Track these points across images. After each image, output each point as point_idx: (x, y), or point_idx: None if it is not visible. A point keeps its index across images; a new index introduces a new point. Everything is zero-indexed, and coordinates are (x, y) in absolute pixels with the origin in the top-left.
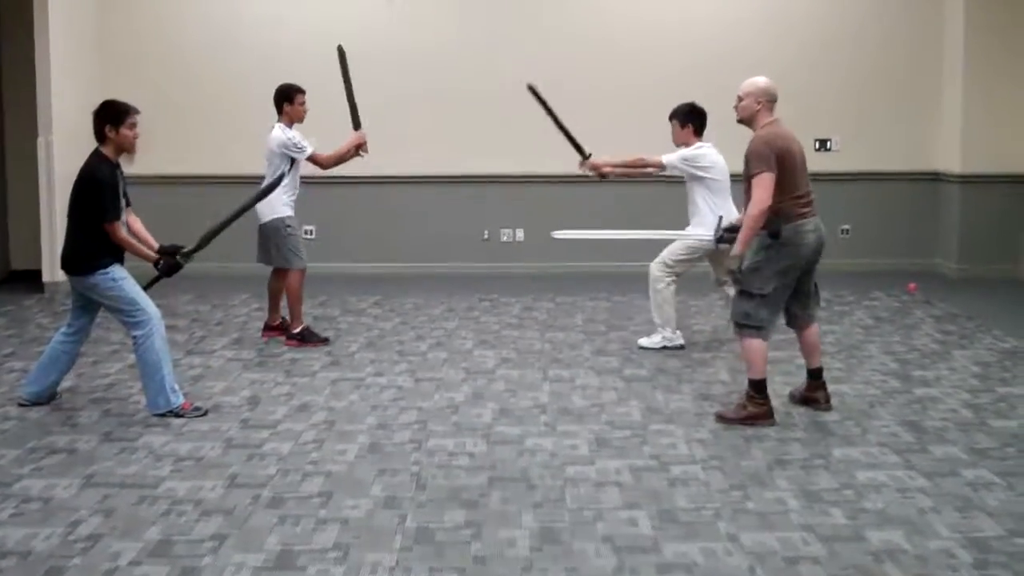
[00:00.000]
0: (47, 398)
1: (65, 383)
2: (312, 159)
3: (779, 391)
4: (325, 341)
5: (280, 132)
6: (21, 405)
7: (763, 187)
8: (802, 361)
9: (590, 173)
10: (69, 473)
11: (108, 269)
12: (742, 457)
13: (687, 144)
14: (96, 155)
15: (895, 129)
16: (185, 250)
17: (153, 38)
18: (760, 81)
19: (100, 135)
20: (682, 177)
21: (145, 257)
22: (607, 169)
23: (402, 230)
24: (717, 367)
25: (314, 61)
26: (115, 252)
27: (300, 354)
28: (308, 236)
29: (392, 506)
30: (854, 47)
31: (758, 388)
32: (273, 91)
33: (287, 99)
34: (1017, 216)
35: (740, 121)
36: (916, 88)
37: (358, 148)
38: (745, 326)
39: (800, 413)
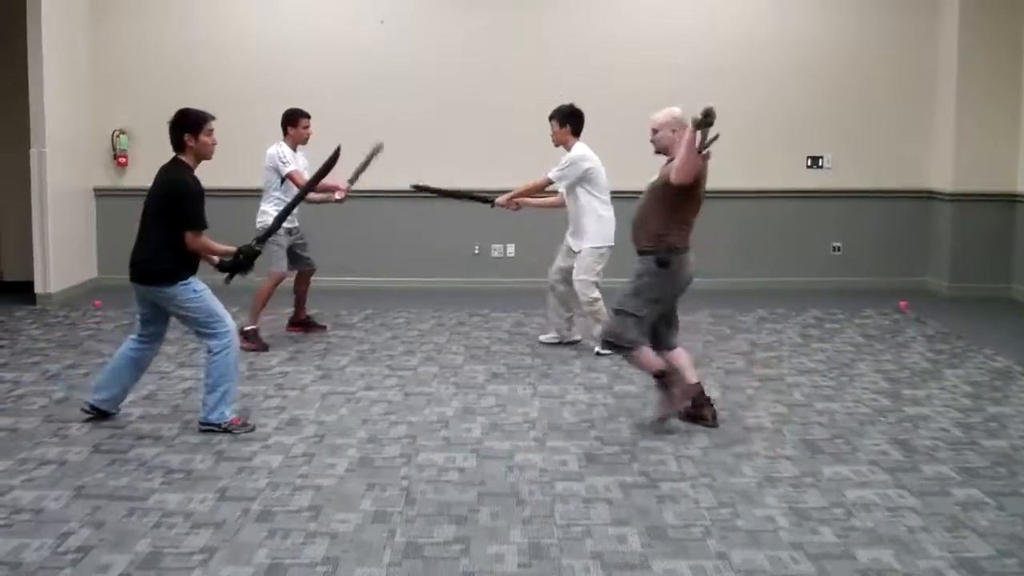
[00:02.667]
0: (115, 405)
1: (56, 394)
2: (290, 177)
3: (738, 402)
4: (265, 348)
5: (275, 147)
6: (84, 412)
7: (686, 166)
8: (793, 380)
9: (507, 209)
10: (60, 484)
11: (189, 280)
12: (732, 474)
13: (565, 144)
14: (178, 164)
15: (888, 147)
16: (257, 236)
17: (145, 51)
18: (675, 111)
19: (179, 144)
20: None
21: (226, 253)
22: (515, 201)
23: (393, 244)
24: (707, 384)
25: (308, 76)
26: (193, 264)
27: (291, 367)
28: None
29: (381, 520)
30: (847, 65)
31: (662, 377)
32: (266, 105)
33: (291, 122)
34: (1009, 235)
35: (658, 152)
36: (909, 106)
37: (335, 191)
38: (614, 345)
39: (790, 431)
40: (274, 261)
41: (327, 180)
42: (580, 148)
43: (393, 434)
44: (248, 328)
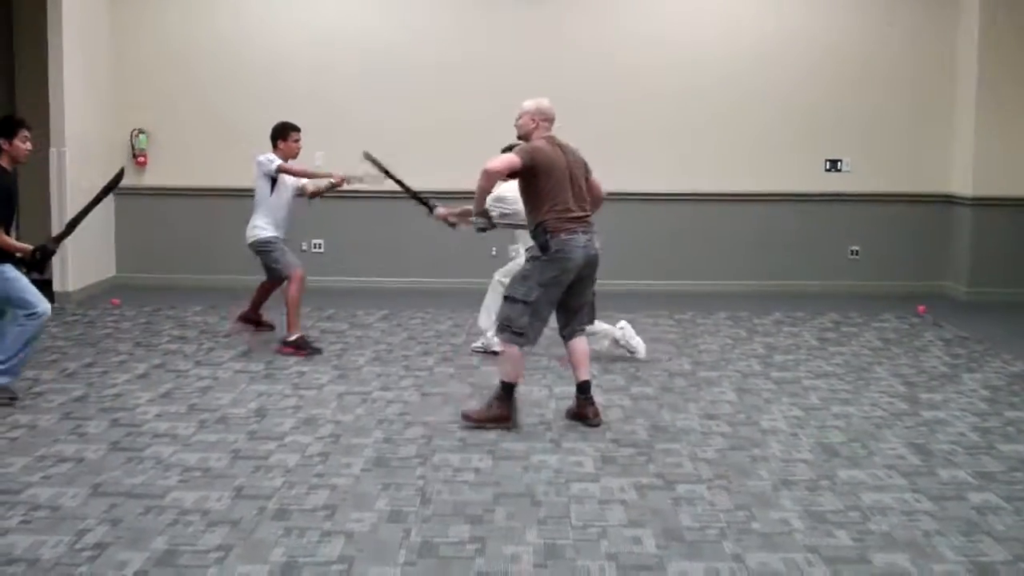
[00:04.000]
0: None
1: (75, 392)
2: (282, 169)
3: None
4: (318, 351)
5: (261, 155)
6: None
7: (502, 161)
8: (809, 383)
9: (447, 222)
10: (77, 482)
11: (3, 269)
12: (748, 477)
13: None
14: None
15: (906, 151)
16: (54, 236)
17: (165, 52)
18: (543, 102)
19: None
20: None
21: (22, 249)
22: (452, 219)
23: (410, 245)
24: (723, 386)
25: (326, 77)
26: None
27: (308, 367)
28: (317, 251)
29: (397, 520)
30: (866, 68)
31: (507, 391)
32: (285, 106)
33: (281, 136)
34: None
35: (519, 138)
36: (928, 110)
37: (336, 185)
38: (507, 329)
39: (807, 434)
40: (284, 266)
41: (321, 171)
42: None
43: (409, 434)
44: (292, 338)
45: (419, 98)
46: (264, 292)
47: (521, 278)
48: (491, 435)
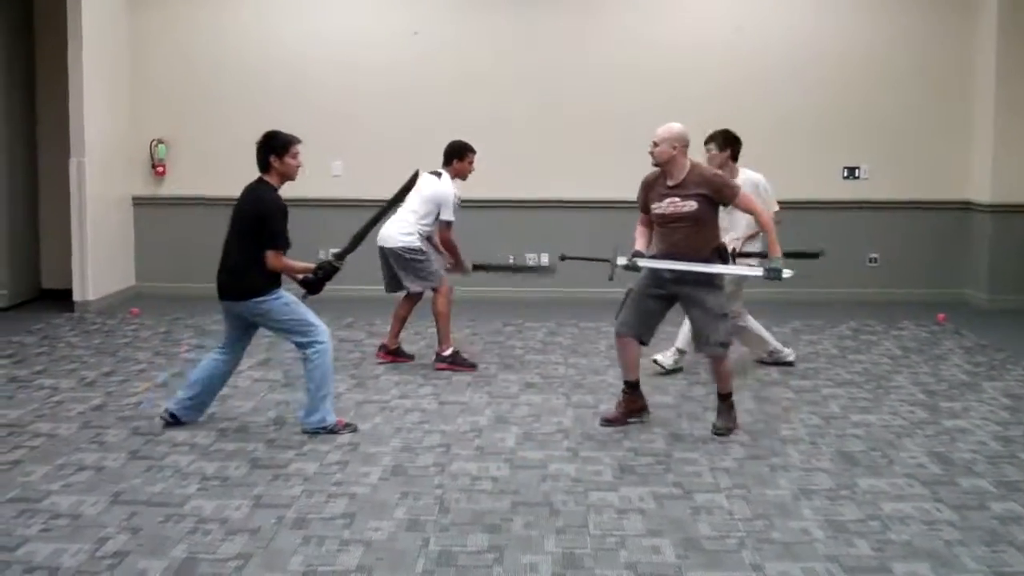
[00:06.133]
0: (196, 413)
1: (94, 400)
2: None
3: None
4: (473, 367)
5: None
6: (163, 420)
7: (753, 198)
8: (829, 391)
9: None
10: (97, 490)
11: (279, 293)
12: (767, 486)
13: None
14: (263, 184)
15: (925, 157)
16: (337, 252)
17: (183, 62)
18: (676, 128)
19: (265, 164)
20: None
21: (305, 271)
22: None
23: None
24: (742, 396)
25: (344, 86)
26: (278, 276)
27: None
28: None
29: (415, 529)
30: (884, 74)
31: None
32: (304, 117)
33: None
34: None
35: (656, 165)
36: (946, 116)
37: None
38: (728, 345)
39: (826, 443)
40: (430, 278)
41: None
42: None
43: (427, 443)
44: (448, 353)
45: (439, 107)
46: (406, 311)
47: (724, 294)
48: (509, 443)
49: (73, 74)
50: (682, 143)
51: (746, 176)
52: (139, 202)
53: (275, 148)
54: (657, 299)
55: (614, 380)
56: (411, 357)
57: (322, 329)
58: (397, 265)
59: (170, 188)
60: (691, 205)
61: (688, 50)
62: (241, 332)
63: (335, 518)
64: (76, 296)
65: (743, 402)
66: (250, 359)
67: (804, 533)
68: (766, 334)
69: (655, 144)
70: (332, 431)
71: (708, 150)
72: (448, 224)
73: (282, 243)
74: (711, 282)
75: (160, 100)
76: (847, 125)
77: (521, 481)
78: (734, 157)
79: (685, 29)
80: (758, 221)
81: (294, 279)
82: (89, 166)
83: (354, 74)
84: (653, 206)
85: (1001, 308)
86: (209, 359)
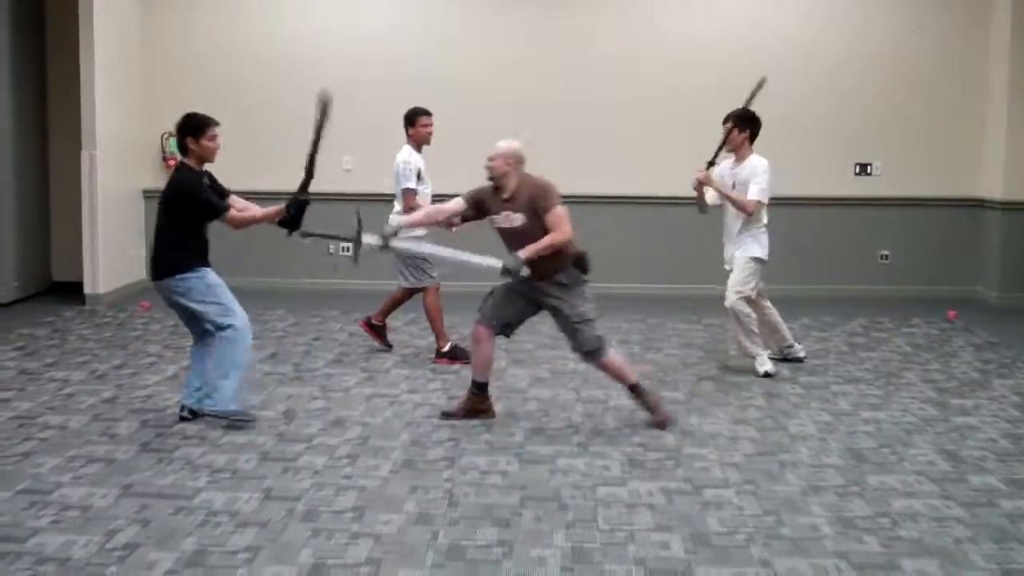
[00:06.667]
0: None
1: (104, 393)
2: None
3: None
4: (468, 360)
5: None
6: (181, 417)
7: (566, 219)
8: (839, 388)
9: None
10: (107, 482)
11: (203, 272)
12: (776, 482)
13: (740, 150)
14: (181, 167)
15: (937, 154)
16: (299, 187)
17: (194, 56)
18: (509, 144)
19: (183, 148)
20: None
21: (274, 215)
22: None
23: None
24: (753, 391)
25: (354, 81)
26: (201, 256)
27: (336, 370)
28: (345, 253)
29: (424, 522)
30: (897, 71)
31: (637, 388)
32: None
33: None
34: None
35: (490, 179)
36: (959, 113)
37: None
38: (599, 349)
39: (836, 439)
40: (413, 276)
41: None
42: (761, 158)
43: (436, 437)
44: (446, 348)
45: (449, 100)
46: (403, 295)
47: (583, 301)
48: (518, 438)
49: (84, 67)
50: (516, 159)
51: (752, 161)
52: (150, 195)
53: (191, 130)
54: (521, 297)
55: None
56: (388, 345)
57: (241, 316)
58: (400, 262)
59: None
60: (519, 219)
61: (704, 44)
62: (188, 314)
63: (345, 511)
64: (87, 289)
65: (753, 398)
66: (259, 352)
67: (813, 529)
68: (783, 328)
69: (490, 159)
70: (227, 419)
71: (727, 129)
72: (406, 192)
73: (219, 209)
74: (567, 292)
75: (171, 93)
76: (860, 122)
77: (530, 476)
78: (751, 138)
79: (701, 23)
80: (550, 240)
81: (273, 223)
82: (100, 159)
83: (364, 68)
84: (492, 218)
85: (1012, 306)
86: (194, 348)
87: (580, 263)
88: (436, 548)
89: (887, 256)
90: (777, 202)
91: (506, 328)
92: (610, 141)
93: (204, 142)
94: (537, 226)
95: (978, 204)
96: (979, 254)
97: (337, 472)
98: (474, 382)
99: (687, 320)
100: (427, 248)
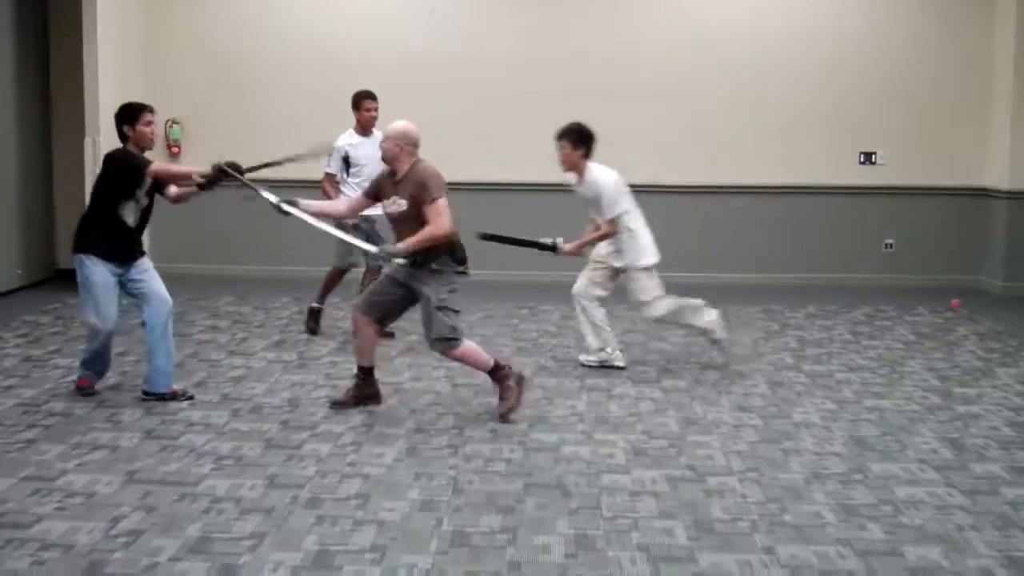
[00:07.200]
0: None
1: (109, 380)
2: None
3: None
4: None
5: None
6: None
7: (446, 213)
8: (842, 376)
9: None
10: (111, 469)
11: (92, 263)
12: (779, 470)
13: (578, 168)
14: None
15: (942, 143)
16: (235, 165)
17: (198, 42)
18: (400, 125)
19: (122, 136)
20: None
21: (194, 173)
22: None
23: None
24: (756, 379)
25: (358, 69)
26: (101, 246)
27: (340, 357)
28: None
29: (429, 509)
30: (902, 59)
31: (498, 368)
32: (317, 95)
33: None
34: None
35: (383, 160)
36: (964, 102)
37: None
38: (453, 339)
39: (839, 427)
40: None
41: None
42: (602, 170)
43: (441, 425)
44: (315, 305)
45: (457, 85)
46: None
47: (449, 291)
48: (522, 426)
49: (88, 53)
50: (407, 141)
51: (591, 177)
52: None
53: (126, 118)
54: (397, 286)
55: (627, 364)
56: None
57: (106, 320)
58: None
59: (184, 167)
60: (402, 204)
61: (710, 32)
62: (120, 292)
63: (349, 498)
64: None
65: (756, 386)
66: (264, 340)
67: (816, 516)
68: (605, 333)
69: (383, 140)
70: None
71: (560, 147)
72: (325, 175)
73: (144, 163)
74: (435, 279)
75: (175, 80)
76: (864, 111)
77: (534, 463)
78: (586, 155)
79: (707, 11)
80: (428, 232)
81: (194, 183)
82: (104, 146)
83: (370, 53)
84: (382, 203)
85: (1016, 295)
86: (146, 332)
87: (454, 252)
88: (440, 535)
89: (891, 245)
90: (781, 191)
91: (385, 319)
92: (616, 130)
93: (140, 127)
94: (418, 214)
95: (983, 193)
96: (984, 243)
97: (341, 459)
98: (360, 368)
99: None
100: (312, 220)
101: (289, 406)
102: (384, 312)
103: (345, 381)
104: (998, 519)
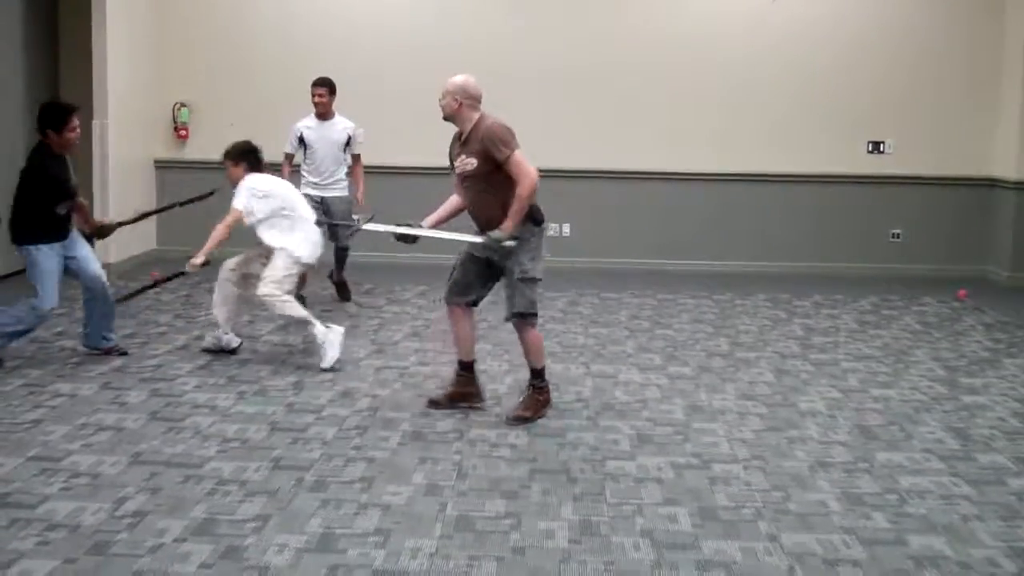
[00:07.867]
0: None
1: (115, 362)
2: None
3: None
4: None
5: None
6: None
7: (526, 162)
8: (848, 365)
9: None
10: (117, 450)
11: (38, 249)
12: (784, 458)
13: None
14: (39, 146)
15: (951, 133)
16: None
17: (207, 25)
18: (459, 79)
19: (42, 135)
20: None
21: (89, 224)
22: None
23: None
24: (761, 367)
25: (370, 53)
26: (48, 231)
27: (346, 341)
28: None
29: (433, 494)
30: (911, 49)
31: (542, 375)
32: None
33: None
34: None
35: (445, 118)
36: (973, 92)
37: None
38: (532, 315)
39: (844, 416)
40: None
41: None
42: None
43: (446, 409)
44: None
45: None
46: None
47: (531, 259)
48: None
49: (96, 36)
50: (464, 95)
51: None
52: (161, 165)
53: (52, 121)
54: (475, 263)
55: (633, 351)
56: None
57: (49, 303)
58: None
59: (192, 152)
60: (472, 163)
61: (719, 19)
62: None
63: (353, 482)
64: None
65: (762, 373)
66: (269, 323)
67: (821, 505)
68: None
69: (441, 97)
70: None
71: (225, 166)
72: (285, 155)
73: (64, 191)
74: (519, 248)
75: (183, 63)
76: (872, 99)
77: (539, 448)
78: (250, 169)
79: (709, 5)
80: (521, 197)
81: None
82: (112, 128)
83: (378, 38)
84: (455, 163)
85: (1023, 285)
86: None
87: (533, 215)
88: (444, 519)
89: (898, 235)
90: (788, 179)
91: (476, 302)
92: (624, 118)
93: (66, 133)
94: (491, 171)
95: (990, 183)
96: (991, 233)
97: (346, 443)
98: (460, 363)
99: (695, 295)
100: (437, 234)
101: (295, 389)
102: (474, 293)
103: (350, 366)
104: (1003, 509)
